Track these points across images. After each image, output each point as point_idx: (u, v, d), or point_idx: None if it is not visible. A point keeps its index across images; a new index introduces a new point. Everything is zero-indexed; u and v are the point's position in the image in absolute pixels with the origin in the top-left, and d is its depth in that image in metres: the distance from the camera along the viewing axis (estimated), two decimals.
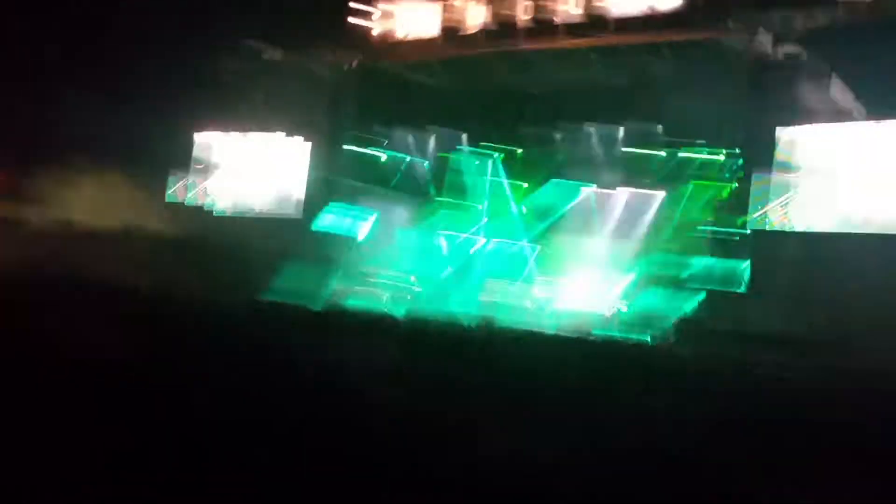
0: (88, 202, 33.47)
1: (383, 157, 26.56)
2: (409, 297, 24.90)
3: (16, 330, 7.22)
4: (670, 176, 23.01)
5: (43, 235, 29.10)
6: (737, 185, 20.53)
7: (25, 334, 7.06)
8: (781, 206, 20.19)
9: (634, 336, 19.68)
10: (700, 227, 21.58)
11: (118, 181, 33.47)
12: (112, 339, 6.74)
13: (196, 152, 29.41)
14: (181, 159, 29.85)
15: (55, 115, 30.15)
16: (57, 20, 30.68)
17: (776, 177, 19.92)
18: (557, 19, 22.11)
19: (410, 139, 26.43)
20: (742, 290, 20.16)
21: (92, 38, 30.63)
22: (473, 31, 23.51)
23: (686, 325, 20.11)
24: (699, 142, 22.09)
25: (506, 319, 22.05)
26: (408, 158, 26.50)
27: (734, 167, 20.51)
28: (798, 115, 19.61)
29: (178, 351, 6.85)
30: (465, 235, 26.07)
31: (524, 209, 25.79)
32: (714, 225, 20.60)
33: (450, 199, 26.74)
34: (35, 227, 31.12)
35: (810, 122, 19.63)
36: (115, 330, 7.08)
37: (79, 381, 6.07)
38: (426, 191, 26.64)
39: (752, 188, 20.07)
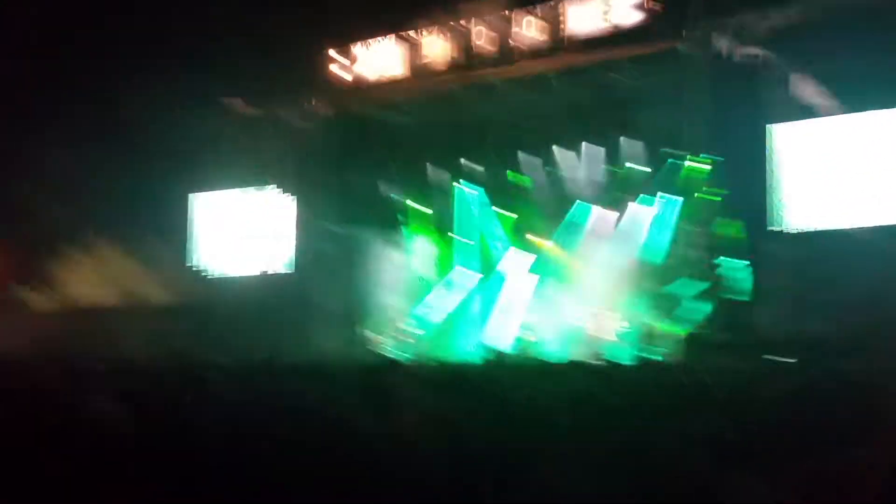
0: (90, 277, 33.46)
1: (358, 198, 26.62)
2: (415, 340, 24.91)
3: (33, 410, 7.28)
4: (658, 189, 23.10)
5: (47, 315, 29.01)
6: (725, 190, 20.62)
7: (43, 413, 7.12)
8: (774, 207, 20.46)
9: (646, 355, 19.61)
10: (695, 237, 21.64)
11: (117, 252, 33.53)
12: (133, 412, 6.79)
13: (189, 214, 29.45)
14: (176, 223, 29.87)
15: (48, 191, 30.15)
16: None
17: (764, 177, 20.25)
18: (514, 43, 22.44)
19: (384, 178, 26.50)
20: (749, 297, 20.20)
21: (68, 98, 30.70)
22: (432, 63, 23.77)
23: (697, 338, 20.06)
24: (667, 152, 22.31)
25: (515, 352, 22.12)
26: (393, 198, 26.58)
27: (718, 173, 20.62)
28: (777, 113, 19.99)
29: (208, 419, 6.90)
30: (459, 271, 26.10)
31: (513, 238, 25.77)
32: (709, 233, 20.73)
33: (440, 236, 26.89)
34: (37, 308, 30.99)
35: (790, 120, 20.01)
36: (136, 403, 7.13)
37: (105, 457, 6.13)
38: (414, 229, 26.66)
39: (740, 192, 20.37)
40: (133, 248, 34.67)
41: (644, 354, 19.85)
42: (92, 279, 34.45)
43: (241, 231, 28.78)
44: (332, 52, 25.18)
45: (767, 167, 20.65)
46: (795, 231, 20.47)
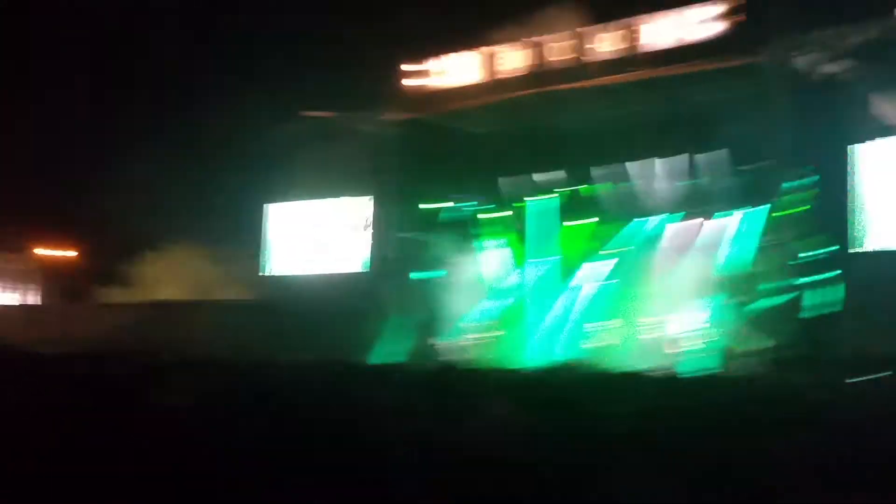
0: (175, 279, 34.51)
1: (441, 208, 26.84)
2: (485, 346, 24.91)
3: (124, 407, 7.48)
4: (741, 201, 22.67)
5: (136, 314, 29.95)
6: (811, 205, 20.20)
7: (134, 411, 7.29)
8: (859, 224, 19.96)
9: (727, 369, 19.25)
10: (780, 252, 21.26)
11: (200, 257, 34.54)
12: (225, 411, 6.94)
13: (267, 222, 30.09)
14: (255, 230, 30.56)
15: (132, 200, 31.17)
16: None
17: (850, 194, 19.76)
18: (592, 58, 22.31)
19: (458, 187, 26.62)
20: (835, 311, 19.72)
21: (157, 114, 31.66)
22: (508, 76, 23.78)
23: (779, 353, 19.64)
24: (750, 166, 21.89)
25: (587, 361, 21.87)
26: (465, 208, 26.69)
27: (806, 187, 20.16)
28: (860, 131, 19.51)
29: (294, 420, 6.98)
30: (532, 280, 26.02)
31: (590, 248, 25.56)
32: (793, 248, 20.32)
33: (513, 244, 26.78)
34: (128, 307, 32.05)
35: (873, 138, 19.52)
36: (227, 402, 7.28)
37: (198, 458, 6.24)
38: (488, 237, 26.67)
39: (828, 207, 19.95)
40: (211, 252, 35.57)
41: (721, 368, 19.48)
42: (172, 280, 35.41)
43: (315, 238, 29.20)
44: (407, 65, 25.34)
45: (849, 184, 20.15)
46: (878, 250, 19.93)
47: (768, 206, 21.17)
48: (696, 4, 20.82)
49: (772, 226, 20.94)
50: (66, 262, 38.15)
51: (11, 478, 6.15)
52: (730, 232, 22.94)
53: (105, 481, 6.11)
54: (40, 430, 7.28)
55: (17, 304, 36.69)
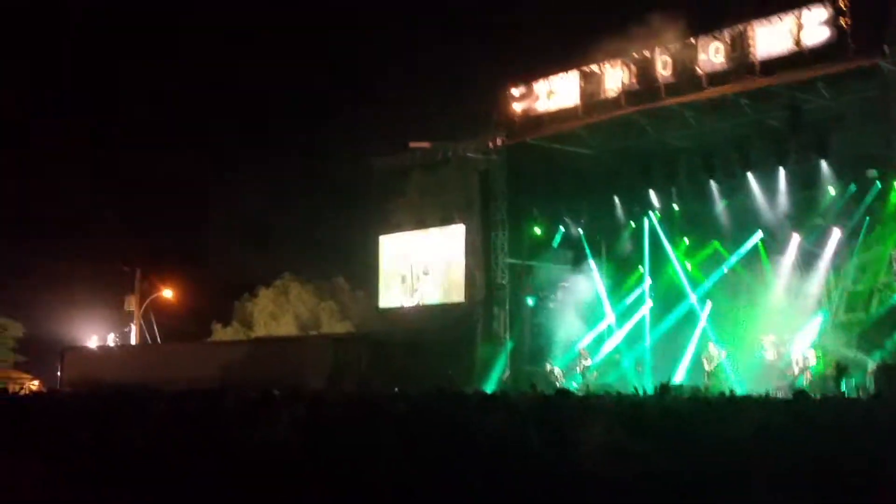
0: (280, 314, 35.34)
1: (541, 232, 26.68)
2: (595, 372, 24.56)
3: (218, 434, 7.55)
4: (843, 214, 21.87)
5: (239, 348, 30.80)
6: None
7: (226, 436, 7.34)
8: None
9: (832, 389, 18.56)
10: (888, 263, 20.47)
11: (309, 291, 35.30)
12: (335, 443, 6.93)
13: (380, 254, 30.58)
14: (370, 263, 31.08)
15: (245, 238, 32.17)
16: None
17: None
18: (700, 70, 21.72)
19: (567, 210, 26.36)
20: None
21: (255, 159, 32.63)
22: (614, 94, 23.38)
23: (885, 372, 18.87)
24: (870, 174, 20.93)
25: (698, 385, 21.33)
26: (567, 230, 26.40)
27: None
28: None
29: (384, 444, 6.89)
30: (645, 302, 25.52)
31: (689, 266, 25.04)
32: None
33: (625, 267, 26.37)
34: (241, 344, 32.96)
35: None
36: (337, 434, 7.27)
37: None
38: (588, 259, 26.32)
39: None
40: (323, 286, 36.28)
41: (835, 386, 18.65)
42: (284, 315, 36.23)
43: (424, 267, 29.43)
44: (513, 90, 25.25)
45: None
46: None
47: (888, 214, 20.09)
48: (804, 7, 19.98)
49: (890, 235, 19.88)
50: (182, 303, 39.19)
51: None
52: (846, 243, 21.99)
53: None
54: (157, 464, 7.40)
55: (135, 344, 37.89)
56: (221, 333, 38.08)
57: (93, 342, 38.26)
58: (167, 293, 38.57)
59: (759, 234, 23.49)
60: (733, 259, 24.12)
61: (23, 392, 20.28)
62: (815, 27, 19.82)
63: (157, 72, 36.16)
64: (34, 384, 32.97)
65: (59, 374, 32.71)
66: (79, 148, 37.17)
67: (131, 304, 38.34)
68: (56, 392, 21.30)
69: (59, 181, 35.09)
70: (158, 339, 38.12)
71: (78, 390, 18.89)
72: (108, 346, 38.22)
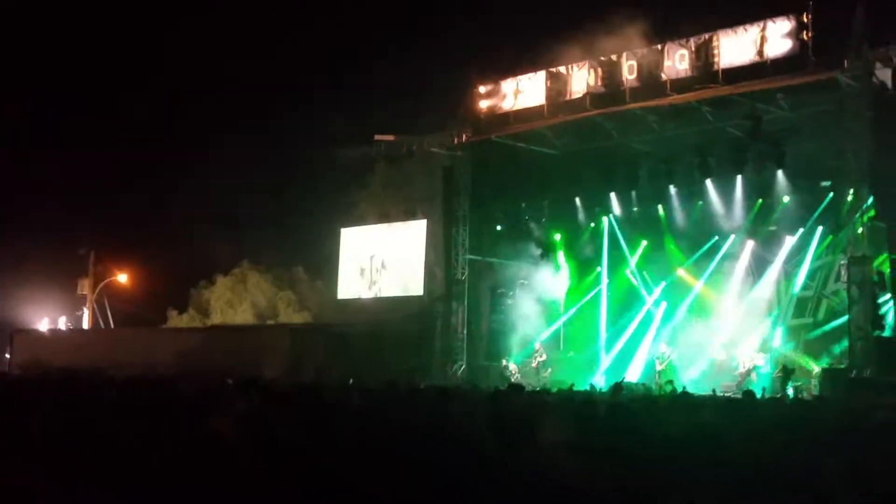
0: (239, 301, 35.05)
1: (502, 228, 26.86)
2: (543, 368, 24.78)
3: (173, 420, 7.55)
4: (796, 222, 22.40)
5: (195, 335, 30.53)
6: (870, 224, 19.62)
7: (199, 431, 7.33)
8: None
9: (778, 390, 19.01)
10: (836, 271, 20.96)
11: (267, 279, 35.03)
12: (286, 431, 6.93)
13: (341, 246, 30.52)
14: (330, 254, 30.98)
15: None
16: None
17: None
18: (664, 76, 21.94)
19: (528, 208, 26.56)
20: (890, 333, 19.41)
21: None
22: (580, 96, 23.53)
23: (831, 376, 19.34)
24: (823, 185, 21.41)
25: (651, 383, 21.69)
26: (527, 228, 26.59)
27: (864, 207, 19.60)
28: None
29: (342, 435, 6.93)
30: (603, 300, 25.85)
31: (645, 269, 25.41)
32: (851, 266, 19.69)
33: (571, 265, 26.73)
34: (197, 331, 32.64)
35: None
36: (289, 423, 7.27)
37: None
38: (547, 257, 26.55)
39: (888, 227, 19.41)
40: (282, 275, 36.08)
41: (781, 387, 19.15)
42: (241, 303, 35.97)
43: (383, 260, 29.46)
44: (480, 88, 25.32)
45: None
46: None
47: (842, 223, 20.54)
48: (769, 19, 20.30)
49: (844, 244, 20.34)
50: (137, 288, 38.71)
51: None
52: (803, 252, 22.50)
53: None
54: (109, 451, 7.36)
55: (88, 328, 37.38)
56: (177, 320, 37.65)
57: (44, 325, 37.66)
58: (122, 277, 38.05)
59: (714, 239, 23.98)
60: (688, 262, 24.57)
61: None
62: (778, 39, 20.15)
63: (121, 47, 35.55)
64: None
65: (7, 356, 32.16)
66: (36, 123, 36.43)
67: (84, 287, 37.77)
68: (5, 375, 21.00)
69: (13, 159, 34.40)
70: (112, 325, 37.63)
71: (28, 373, 18.67)
72: (60, 329, 37.66)
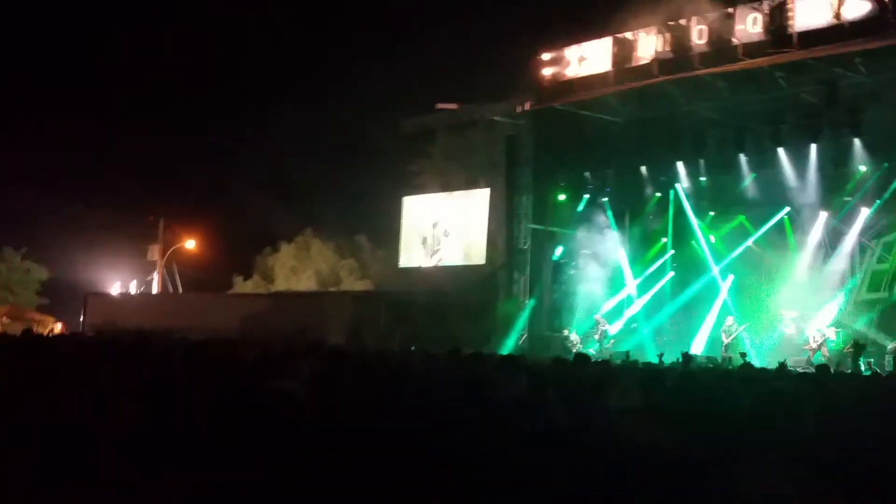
0: (315, 270, 35.44)
1: (565, 198, 26.57)
2: (606, 340, 24.57)
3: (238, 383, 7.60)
4: (873, 192, 21.69)
5: (261, 301, 31.00)
6: None
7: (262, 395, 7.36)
8: None
9: (849, 366, 18.53)
10: None
11: (341, 250, 35.34)
12: (349, 399, 6.93)
13: (403, 214, 30.61)
14: (392, 223, 31.13)
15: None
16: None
17: None
18: (736, 40, 21.34)
19: (592, 178, 26.20)
20: None
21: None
22: (646, 62, 23.05)
23: None
24: None
25: (717, 356, 21.35)
26: (590, 197, 26.25)
27: None
28: None
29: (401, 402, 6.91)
30: (668, 272, 25.50)
31: (713, 239, 24.93)
32: None
33: (636, 235, 26.37)
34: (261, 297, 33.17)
35: None
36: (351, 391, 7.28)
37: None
38: (611, 227, 26.21)
39: None
40: (344, 244, 36.32)
41: (853, 363, 18.61)
42: (304, 270, 36.36)
43: (445, 229, 29.46)
44: (544, 55, 24.92)
45: None
46: None
47: None
48: None
49: None
50: (205, 254, 39.44)
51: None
52: (877, 225, 21.82)
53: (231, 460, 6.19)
54: (174, 404, 7.45)
55: (157, 293, 38.23)
56: (242, 286, 38.29)
57: (115, 289, 38.63)
58: (190, 244, 38.77)
59: (786, 210, 23.37)
60: (758, 233, 24.01)
61: (48, 334, 20.50)
62: (856, 0, 19.43)
63: (193, 16, 36.01)
64: (57, 326, 33.35)
65: (81, 318, 33.09)
66: (109, 93, 37.20)
67: (154, 253, 38.63)
68: (79, 334, 21.53)
69: (91, 132, 35.23)
70: (180, 289, 38.41)
71: (100, 335, 19.10)
72: (131, 293, 38.59)
